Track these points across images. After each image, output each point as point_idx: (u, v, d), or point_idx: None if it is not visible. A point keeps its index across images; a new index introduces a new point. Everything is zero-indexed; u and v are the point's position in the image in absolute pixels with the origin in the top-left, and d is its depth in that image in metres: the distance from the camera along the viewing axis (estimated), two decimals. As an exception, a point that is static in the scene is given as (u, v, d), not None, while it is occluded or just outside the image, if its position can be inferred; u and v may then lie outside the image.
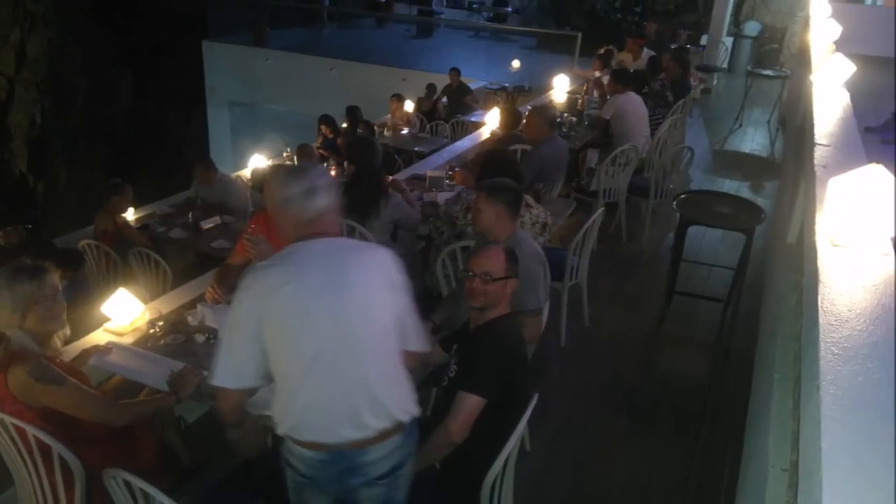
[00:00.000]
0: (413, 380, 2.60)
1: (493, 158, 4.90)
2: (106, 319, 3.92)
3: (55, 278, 2.92)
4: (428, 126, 11.06)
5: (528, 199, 4.62)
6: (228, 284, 4.04)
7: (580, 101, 9.40)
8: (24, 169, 14.72)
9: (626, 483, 4.05)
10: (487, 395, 2.87)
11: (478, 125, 10.08)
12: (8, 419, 2.75)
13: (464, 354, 3.05)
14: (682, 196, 5.60)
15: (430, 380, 3.39)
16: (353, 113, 10.73)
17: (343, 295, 2.40)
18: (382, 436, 2.45)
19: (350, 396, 2.39)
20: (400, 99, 11.36)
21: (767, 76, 12.48)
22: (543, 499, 3.88)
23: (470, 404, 2.84)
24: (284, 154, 9.43)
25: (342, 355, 2.38)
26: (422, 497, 2.89)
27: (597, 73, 10.64)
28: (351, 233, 4.83)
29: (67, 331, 3.05)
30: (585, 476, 4.08)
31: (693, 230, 5.53)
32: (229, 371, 2.40)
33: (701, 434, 4.48)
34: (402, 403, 2.50)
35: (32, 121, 14.83)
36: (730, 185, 8.78)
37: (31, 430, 2.73)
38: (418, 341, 2.64)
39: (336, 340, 2.37)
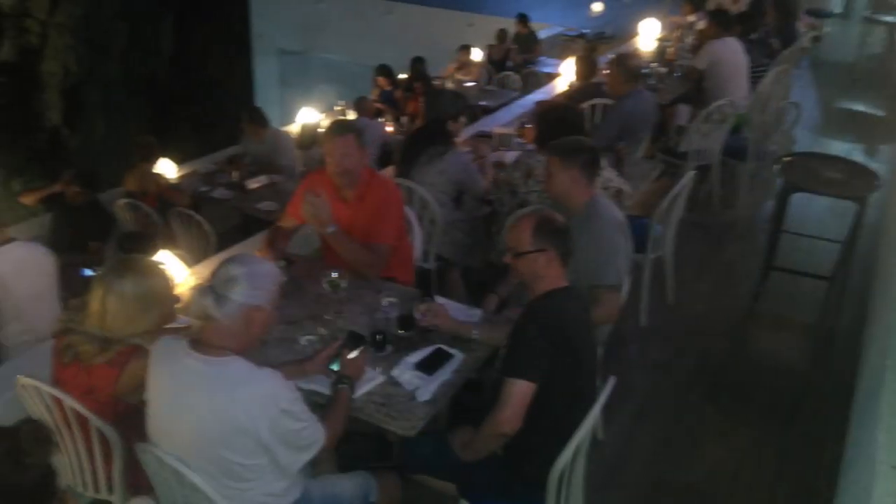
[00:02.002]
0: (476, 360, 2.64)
1: (551, 114, 4.87)
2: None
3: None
4: (497, 77, 11.03)
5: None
6: (279, 249, 4.13)
7: (671, 49, 9.25)
8: (57, 121, 15.03)
9: (711, 477, 4.03)
10: (534, 379, 2.86)
11: (552, 76, 10.02)
12: (84, 410, 2.91)
13: (510, 339, 3.07)
14: (786, 159, 5.50)
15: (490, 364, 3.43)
16: (417, 65, 10.72)
17: None
18: None
19: None
20: (468, 50, 11.32)
21: (887, 23, 12.11)
22: (618, 490, 3.91)
23: (517, 392, 2.85)
24: (337, 107, 9.50)
25: None
26: (487, 483, 2.97)
27: (690, 18, 10.44)
28: (409, 194, 4.88)
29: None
30: (665, 467, 4.08)
31: (797, 197, 5.42)
32: None
33: (797, 425, 4.44)
34: None
35: (66, 69, 15.12)
36: (841, 148, 8.57)
37: (96, 423, 2.91)
38: None
39: None
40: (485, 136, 6.69)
